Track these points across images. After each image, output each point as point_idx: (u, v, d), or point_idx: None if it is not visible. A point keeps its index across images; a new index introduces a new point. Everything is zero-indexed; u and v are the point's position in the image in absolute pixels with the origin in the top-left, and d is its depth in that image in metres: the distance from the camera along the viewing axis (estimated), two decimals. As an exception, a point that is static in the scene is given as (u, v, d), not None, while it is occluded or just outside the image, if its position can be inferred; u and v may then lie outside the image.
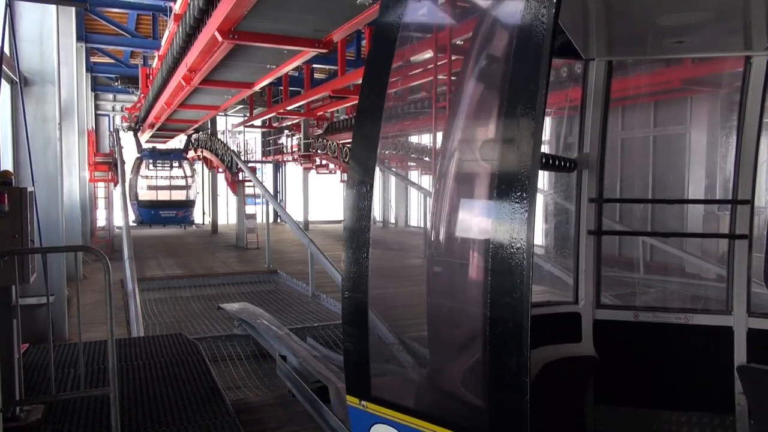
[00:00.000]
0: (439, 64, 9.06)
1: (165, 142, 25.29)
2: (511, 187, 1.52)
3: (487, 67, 1.97)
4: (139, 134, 22.27)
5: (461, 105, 2.15)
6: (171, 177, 24.06)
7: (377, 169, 1.96)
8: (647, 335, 2.98)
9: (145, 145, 24.48)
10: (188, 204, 23.57)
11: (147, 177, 23.35)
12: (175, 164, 24.20)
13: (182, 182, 23.96)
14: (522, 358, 1.48)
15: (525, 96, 1.53)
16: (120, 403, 3.65)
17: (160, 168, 23.96)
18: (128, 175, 20.87)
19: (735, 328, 2.83)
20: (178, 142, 25.59)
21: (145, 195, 22.81)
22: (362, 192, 1.95)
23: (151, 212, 22.39)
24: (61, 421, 3.90)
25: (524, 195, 1.49)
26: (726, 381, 2.82)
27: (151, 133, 21.03)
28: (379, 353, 2.14)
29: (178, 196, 23.51)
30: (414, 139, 20.98)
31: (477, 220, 1.87)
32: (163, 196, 23.15)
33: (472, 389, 1.82)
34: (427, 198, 15.63)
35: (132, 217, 21.57)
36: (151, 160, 23.60)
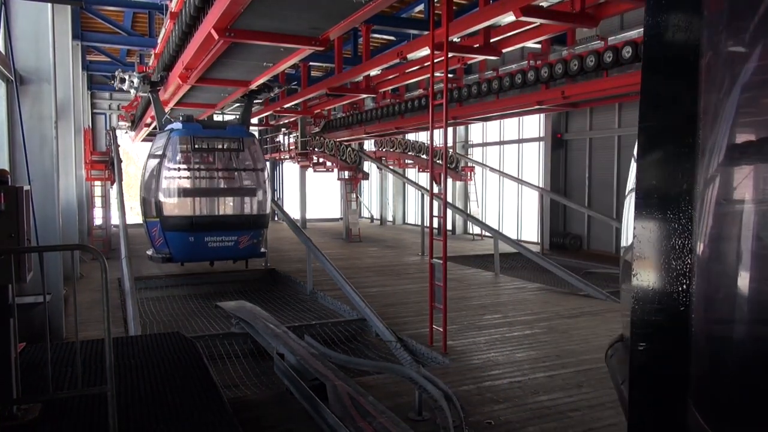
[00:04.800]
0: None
1: None
2: None
3: None
4: (159, 94, 12.40)
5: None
6: (227, 172, 12.14)
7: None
8: None
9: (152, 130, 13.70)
10: (258, 223, 11.91)
11: (181, 173, 11.51)
12: (233, 146, 11.89)
13: (248, 182, 12.30)
14: None
15: None
16: (117, 401, 3.65)
17: (206, 155, 12.00)
18: (140, 173, 12.56)
19: None
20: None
21: (176, 207, 11.34)
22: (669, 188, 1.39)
23: (189, 240, 11.06)
24: (59, 420, 3.90)
25: None
26: None
27: (147, 132, 20.90)
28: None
29: (240, 208, 12.20)
30: (411, 136, 20.98)
31: None
32: (211, 208, 11.80)
33: None
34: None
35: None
36: (185, 143, 11.29)
